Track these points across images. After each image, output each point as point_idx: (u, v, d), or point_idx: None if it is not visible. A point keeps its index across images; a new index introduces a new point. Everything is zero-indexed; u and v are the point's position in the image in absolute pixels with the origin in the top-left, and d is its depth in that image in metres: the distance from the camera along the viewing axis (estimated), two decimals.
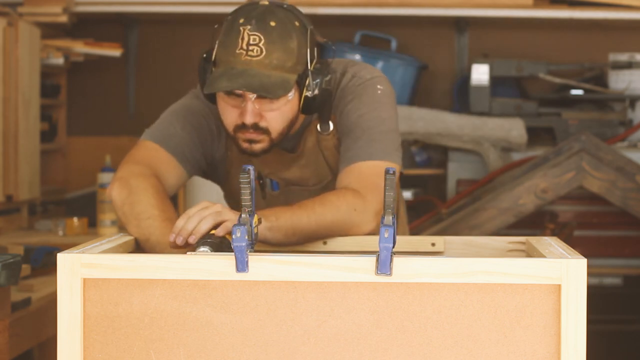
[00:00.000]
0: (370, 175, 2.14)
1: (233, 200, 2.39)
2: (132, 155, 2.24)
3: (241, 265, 1.64)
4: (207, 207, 1.93)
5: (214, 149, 2.30)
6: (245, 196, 1.69)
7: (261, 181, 2.31)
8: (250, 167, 1.70)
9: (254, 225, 1.73)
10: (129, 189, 2.12)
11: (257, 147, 2.15)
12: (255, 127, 2.12)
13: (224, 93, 2.12)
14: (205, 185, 4.21)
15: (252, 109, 2.10)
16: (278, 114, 2.13)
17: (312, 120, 2.26)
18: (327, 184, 2.30)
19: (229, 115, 2.14)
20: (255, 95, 2.08)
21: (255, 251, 1.76)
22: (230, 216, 1.92)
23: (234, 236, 1.63)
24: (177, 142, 2.25)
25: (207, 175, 2.37)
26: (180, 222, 1.92)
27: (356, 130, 2.20)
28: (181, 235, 1.91)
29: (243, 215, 1.70)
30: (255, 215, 1.75)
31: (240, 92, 2.09)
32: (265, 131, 2.13)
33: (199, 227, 1.91)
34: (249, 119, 2.10)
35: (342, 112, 2.23)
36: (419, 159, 4.32)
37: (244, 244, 1.63)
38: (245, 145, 2.15)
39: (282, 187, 2.32)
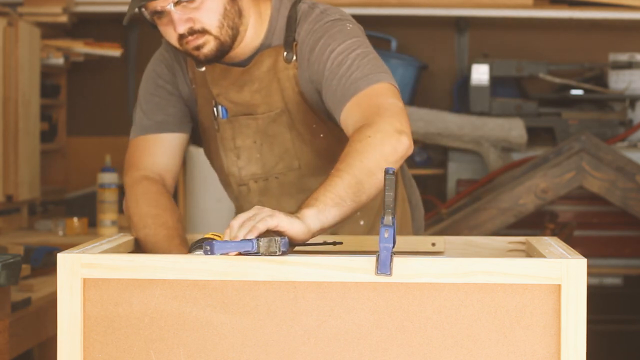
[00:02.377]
0: (369, 102, 2.04)
1: (206, 143, 2.36)
2: (127, 160, 2.28)
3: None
4: (257, 214, 1.77)
5: (182, 90, 2.31)
6: None
7: (214, 108, 2.27)
8: None
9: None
10: (127, 203, 2.18)
11: (206, 50, 2.12)
12: (191, 32, 2.10)
13: (153, 19, 2.15)
14: (205, 184, 4.22)
15: (179, 18, 2.09)
16: (204, 10, 2.10)
17: (272, 43, 2.21)
18: (276, 115, 2.22)
19: (168, 34, 2.14)
20: (171, 4, 2.08)
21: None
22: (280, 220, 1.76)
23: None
24: (153, 118, 2.27)
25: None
26: (233, 230, 1.75)
27: (335, 68, 2.11)
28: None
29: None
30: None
31: (161, 8, 2.10)
32: (203, 31, 2.10)
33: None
34: (180, 28, 2.09)
35: (312, 49, 2.16)
36: (419, 159, 4.32)
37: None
38: (195, 53, 2.13)
39: (230, 116, 2.26)
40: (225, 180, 2.36)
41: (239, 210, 2.36)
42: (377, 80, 2.06)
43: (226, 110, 2.26)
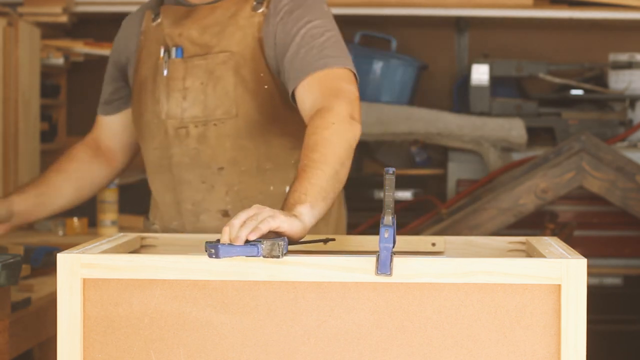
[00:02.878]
0: (332, 82, 2.12)
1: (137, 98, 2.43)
2: None
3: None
4: (259, 214, 1.76)
5: (129, 48, 2.45)
6: None
7: (167, 51, 2.32)
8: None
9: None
10: None
11: None
12: None
13: None
14: None
15: None
16: None
17: None
18: (225, 57, 2.25)
19: None
20: None
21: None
22: (281, 222, 1.75)
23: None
24: (101, 99, 2.58)
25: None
26: (234, 229, 1.72)
27: (306, 39, 2.19)
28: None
29: None
30: None
31: None
32: None
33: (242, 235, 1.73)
34: None
35: (289, 11, 2.23)
36: (419, 159, 4.32)
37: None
38: None
39: (185, 56, 2.29)
40: (158, 127, 2.35)
41: (159, 170, 2.40)
42: (343, 64, 2.17)
43: (182, 51, 2.30)
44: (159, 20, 2.34)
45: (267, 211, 1.74)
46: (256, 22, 2.25)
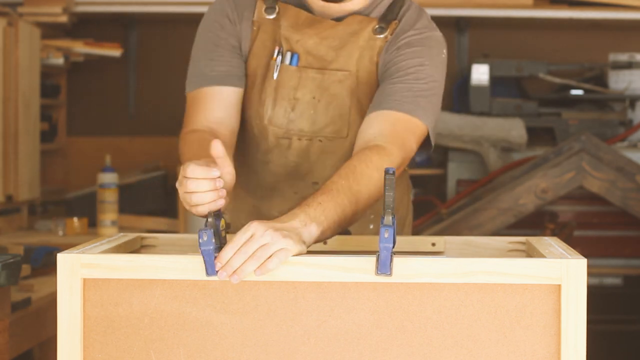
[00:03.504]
0: (404, 131, 2.08)
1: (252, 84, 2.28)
2: (184, 117, 2.25)
3: (210, 269, 1.64)
4: (255, 239, 1.70)
5: (243, 36, 2.26)
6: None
7: (280, 54, 2.24)
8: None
9: (221, 229, 1.73)
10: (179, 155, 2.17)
11: None
12: None
13: None
14: None
15: None
16: None
17: (370, 14, 2.22)
18: (343, 76, 2.21)
19: None
20: None
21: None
22: (281, 244, 1.70)
23: (200, 240, 1.63)
24: (217, 69, 2.22)
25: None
26: (227, 254, 1.69)
27: (409, 78, 2.14)
28: (225, 271, 1.70)
29: (209, 219, 1.70)
30: (223, 220, 1.74)
31: None
32: None
33: (244, 267, 1.67)
34: None
35: (408, 44, 2.19)
36: (419, 159, 4.32)
37: (211, 248, 1.64)
38: None
39: (299, 66, 2.23)
40: (259, 130, 2.27)
41: (251, 164, 2.29)
42: (426, 122, 2.12)
43: (297, 59, 2.23)
44: (273, 16, 2.24)
45: (280, 241, 1.69)
46: (377, 45, 2.20)
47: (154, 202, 4.37)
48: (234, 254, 1.67)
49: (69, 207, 4.32)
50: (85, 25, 4.51)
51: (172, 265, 1.65)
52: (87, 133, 4.72)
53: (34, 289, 2.54)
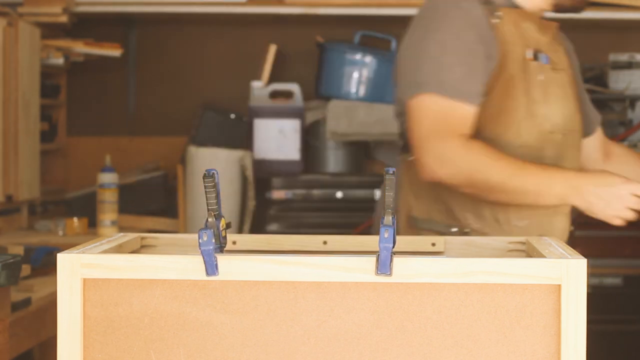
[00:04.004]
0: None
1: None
2: (434, 121, 2.25)
3: (210, 269, 1.64)
4: None
5: (491, 50, 2.33)
6: (211, 200, 1.69)
7: (536, 54, 2.42)
8: (214, 171, 1.69)
9: (221, 228, 1.73)
10: (460, 163, 2.23)
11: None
12: None
13: None
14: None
15: None
16: None
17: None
18: (565, 74, 2.49)
19: None
20: None
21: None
22: None
23: (200, 240, 1.63)
24: (474, 88, 2.27)
25: None
26: None
27: (582, 91, 2.65)
28: None
29: (210, 219, 1.70)
30: (223, 219, 1.74)
31: None
32: None
33: None
34: None
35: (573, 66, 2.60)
36: None
37: (210, 248, 1.64)
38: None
39: (551, 66, 2.43)
40: (526, 129, 2.36)
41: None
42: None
43: (548, 59, 2.44)
44: (497, 20, 2.36)
45: None
46: (562, 49, 2.54)
47: (154, 202, 4.37)
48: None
49: (69, 207, 4.33)
50: (85, 25, 4.51)
51: (172, 265, 1.65)
52: (87, 133, 4.72)
53: (34, 289, 2.54)
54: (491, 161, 2.22)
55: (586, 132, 2.61)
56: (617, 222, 2.31)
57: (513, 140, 2.33)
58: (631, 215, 2.26)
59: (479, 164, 2.22)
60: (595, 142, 2.69)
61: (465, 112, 2.25)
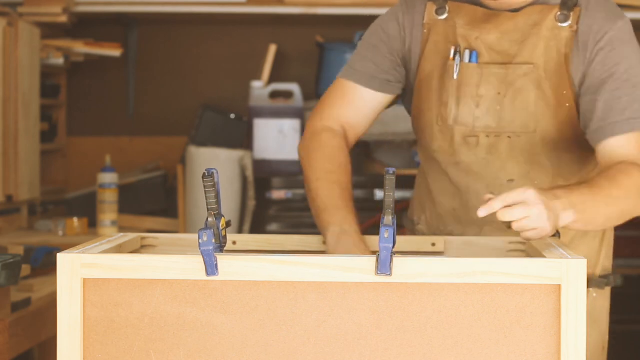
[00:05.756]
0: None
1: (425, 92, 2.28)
2: (321, 101, 2.33)
3: (210, 269, 1.64)
4: (525, 208, 1.82)
5: (412, 40, 2.27)
6: (211, 199, 1.69)
7: (457, 53, 2.23)
8: (214, 171, 1.69)
9: (221, 228, 1.73)
10: (303, 149, 2.25)
11: None
12: None
13: None
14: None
15: None
16: None
17: (550, 1, 2.19)
18: (528, 69, 2.18)
19: None
20: None
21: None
22: (542, 225, 1.84)
23: (200, 240, 1.63)
24: (364, 69, 2.29)
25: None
26: (496, 204, 1.83)
27: (625, 82, 2.13)
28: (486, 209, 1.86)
29: (210, 219, 1.70)
30: (223, 219, 1.74)
31: None
32: None
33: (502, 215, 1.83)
34: None
35: (602, 48, 2.14)
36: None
37: (210, 248, 1.64)
38: None
39: (480, 62, 2.21)
40: (443, 132, 2.25)
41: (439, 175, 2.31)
42: None
43: (477, 56, 2.21)
44: (445, 16, 2.23)
45: (536, 211, 1.83)
46: (563, 36, 2.17)
47: (154, 202, 4.37)
48: (500, 208, 1.82)
49: (69, 207, 4.33)
50: (85, 25, 4.51)
51: (172, 265, 1.65)
52: (87, 133, 4.72)
53: (34, 289, 2.54)
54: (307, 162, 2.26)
55: (591, 139, 2.15)
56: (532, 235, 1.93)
57: (429, 145, 2.28)
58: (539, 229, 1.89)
59: (304, 151, 2.28)
60: (602, 155, 2.13)
61: (355, 94, 2.31)
